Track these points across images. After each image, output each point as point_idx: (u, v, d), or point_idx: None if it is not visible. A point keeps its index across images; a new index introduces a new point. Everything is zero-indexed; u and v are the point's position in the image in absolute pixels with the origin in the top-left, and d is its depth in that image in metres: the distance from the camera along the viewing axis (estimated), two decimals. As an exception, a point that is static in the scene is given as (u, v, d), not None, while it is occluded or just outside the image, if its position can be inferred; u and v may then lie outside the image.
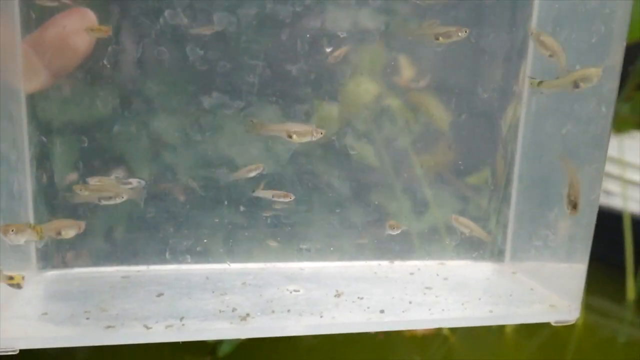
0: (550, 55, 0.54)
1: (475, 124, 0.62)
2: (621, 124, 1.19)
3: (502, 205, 0.64)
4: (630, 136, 1.19)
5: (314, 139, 0.54)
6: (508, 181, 0.63)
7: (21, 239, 0.47)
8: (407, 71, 0.60)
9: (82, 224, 0.53)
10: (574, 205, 0.52)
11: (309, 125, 0.55)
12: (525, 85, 0.60)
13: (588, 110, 0.54)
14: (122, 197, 0.54)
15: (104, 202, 0.54)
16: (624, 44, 0.51)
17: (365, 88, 0.59)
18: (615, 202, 1.13)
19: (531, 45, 0.59)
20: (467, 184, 0.63)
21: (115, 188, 0.54)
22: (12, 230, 0.46)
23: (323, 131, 0.54)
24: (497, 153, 0.63)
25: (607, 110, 0.52)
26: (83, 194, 0.55)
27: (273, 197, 0.57)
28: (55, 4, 0.52)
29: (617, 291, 1.02)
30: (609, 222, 1.06)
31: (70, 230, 0.51)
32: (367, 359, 0.59)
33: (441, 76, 0.61)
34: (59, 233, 0.51)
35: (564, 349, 0.54)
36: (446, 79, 0.61)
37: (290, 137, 0.53)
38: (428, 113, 0.60)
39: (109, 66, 0.53)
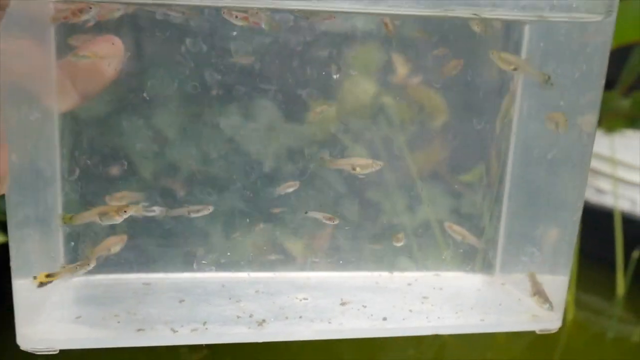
0: (514, 69, 0.60)
1: (471, 122, 0.66)
2: (612, 123, 1.24)
3: (495, 205, 0.69)
4: (621, 135, 1.24)
5: (374, 169, 0.61)
6: (500, 186, 0.68)
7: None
8: (402, 69, 0.64)
9: (125, 237, 0.57)
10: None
11: (369, 159, 0.62)
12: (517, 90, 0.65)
13: (571, 140, 0.60)
14: (123, 216, 0.57)
15: (105, 222, 0.58)
16: (603, 81, 0.57)
17: (362, 87, 0.64)
18: (606, 200, 1.18)
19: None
20: (461, 181, 0.68)
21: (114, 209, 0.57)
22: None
23: (381, 163, 0.61)
24: (490, 152, 0.68)
25: (587, 140, 0.58)
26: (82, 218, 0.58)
27: (323, 218, 0.62)
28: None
29: (607, 287, 1.05)
30: (600, 219, 1.08)
31: (117, 245, 0.56)
32: (363, 352, 0.63)
33: (437, 73, 0.65)
34: (109, 249, 0.56)
35: (555, 346, 0.59)
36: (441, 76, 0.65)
37: (354, 169, 0.59)
38: (424, 109, 0.65)
39: (147, 97, 0.58)
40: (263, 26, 0.59)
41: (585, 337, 0.57)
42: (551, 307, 0.59)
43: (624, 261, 1.06)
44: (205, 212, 0.61)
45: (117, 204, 0.58)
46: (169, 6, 0.58)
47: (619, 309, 1.03)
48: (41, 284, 0.53)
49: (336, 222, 0.63)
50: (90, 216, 0.57)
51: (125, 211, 0.56)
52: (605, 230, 1.08)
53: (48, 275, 0.54)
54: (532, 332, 0.57)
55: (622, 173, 1.19)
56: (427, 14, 0.59)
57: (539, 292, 0.60)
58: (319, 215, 0.63)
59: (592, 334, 0.92)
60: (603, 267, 1.07)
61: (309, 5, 0.58)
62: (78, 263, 0.57)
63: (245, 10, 0.56)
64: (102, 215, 0.56)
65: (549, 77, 0.60)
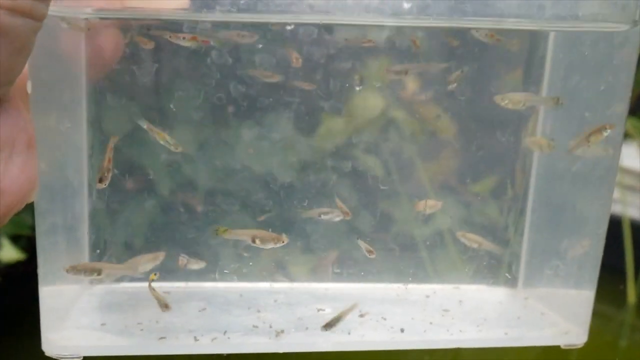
0: (524, 105, 0.60)
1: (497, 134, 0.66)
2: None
3: (519, 218, 0.68)
4: (628, 144, 1.22)
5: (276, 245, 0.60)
6: (524, 199, 0.68)
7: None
8: (412, 84, 0.64)
9: (162, 254, 0.59)
10: None
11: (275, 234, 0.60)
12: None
13: (596, 152, 0.59)
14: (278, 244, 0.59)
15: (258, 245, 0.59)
16: (630, 93, 0.56)
17: (372, 102, 0.64)
18: (615, 208, 1.16)
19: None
20: (482, 193, 0.68)
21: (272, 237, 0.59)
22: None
23: (285, 239, 0.60)
24: (516, 164, 0.67)
25: (614, 152, 0.58)
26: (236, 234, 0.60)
27: (366, 250, 0.63)
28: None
29: (617, 296, 1.03)
30: (609, 227, 1.08)
31: (156, 261, 0.58)
32: (378, 357, 0.63)
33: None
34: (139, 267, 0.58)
35: (566, 354, 0.58)
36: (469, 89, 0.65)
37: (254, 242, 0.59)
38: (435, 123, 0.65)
39: (174, 109, 0.59)
40: (212, 43, 0.59)
41: (596, 346, 0.56)
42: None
43: (635, 269, 1.05)
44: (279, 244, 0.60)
45: (275, 234, 0.59)
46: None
47: (630, 316, 1.01)
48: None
49: (373, 256, 0.63)
50: (243, 235, 0.59)
51: (283, 241, 0.58)
52: (614, 238, 1.06)
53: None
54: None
55: (630, 181, 1.17)
56: (449, 26, 0.60)
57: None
58: (363, 245, 0.63)
59: (604, 342, 0.90)
60: (613, 275, 1.05)
61: (329, 19, 0.58)
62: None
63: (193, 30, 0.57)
64: (257, 238, 0.58)
65: (558, 99, 0.60)
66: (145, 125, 0.58)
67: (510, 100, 0.59)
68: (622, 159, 0.58)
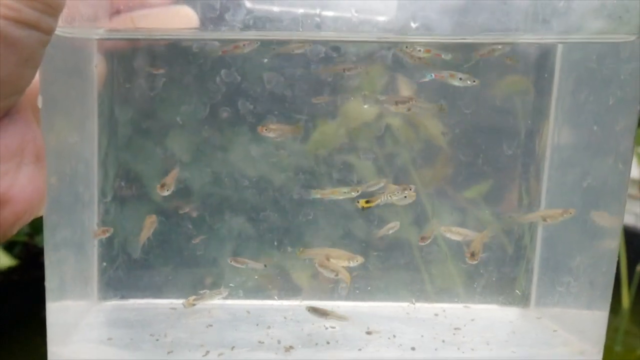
0: (409, 109, 0.60)
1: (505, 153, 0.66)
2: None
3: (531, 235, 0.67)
4: None
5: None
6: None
7: None
8: (406, 90, 0.64)
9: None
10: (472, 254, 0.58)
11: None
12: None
13: (606, 166, 0.58)
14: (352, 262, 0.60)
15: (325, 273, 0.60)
16: (638, 107, 0.56)
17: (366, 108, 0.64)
18: None
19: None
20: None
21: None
22: None
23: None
24: (530, 170, 0.66)
25: (624, 167, 0.57)
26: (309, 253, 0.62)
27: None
28: None
29: (613, 301, 1.01)
30: None
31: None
32: None
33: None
34: None
35: None
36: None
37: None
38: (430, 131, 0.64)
39: (180, 122, 0.60)
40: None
41: None
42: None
43: (629, 275, 1.04)
44: None
45: (349, 253, 0.60)
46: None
47: (624, 322, 1.00)
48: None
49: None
50: (316, 254, 0.60)
51: (357, 260, 0.59)
52: None
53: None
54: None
55: None
56: (455, 42, 0.60)
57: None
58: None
59: None
60: None
61: (340, 37, 0.59)
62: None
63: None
64: (322, 265, 0.58)
65: (442, 106, 0.61)
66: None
67: (393, 102, 0.59)
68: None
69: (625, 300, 1.07)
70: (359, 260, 0.60)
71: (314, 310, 0.59)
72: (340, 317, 0.59)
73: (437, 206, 0.66)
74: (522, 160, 0.65)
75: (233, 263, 0.62)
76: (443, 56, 0.59)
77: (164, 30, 0.55)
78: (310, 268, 0.65)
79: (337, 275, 0.59)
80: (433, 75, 0.59)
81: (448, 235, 0.64)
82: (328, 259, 0.59)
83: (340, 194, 0.61)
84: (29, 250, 0.48)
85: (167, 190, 0.60)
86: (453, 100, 0.63)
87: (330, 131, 0.64)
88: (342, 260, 0.59)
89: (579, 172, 0.61)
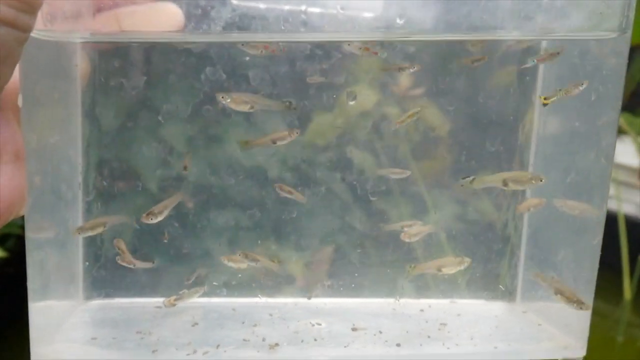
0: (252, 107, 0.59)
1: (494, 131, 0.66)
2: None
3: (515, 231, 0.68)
4: (622, 139, 1.21)
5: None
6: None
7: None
8: (405, 80, 0.64)
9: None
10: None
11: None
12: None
13: (589, 161, 0.59)
14: None
15: None
16: (620, 102, 0.57)
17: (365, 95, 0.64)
18: (610, 204, 1.15)
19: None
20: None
21: None
22: None
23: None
24: (513, 165, 0.66)
25: (606, 162, 0.57)
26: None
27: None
28: None
29: (614, 292, 1.02)
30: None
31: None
32: None
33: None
34: None
35: None
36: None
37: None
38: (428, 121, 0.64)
39: (162, 121, 0.60)
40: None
41: (594, 342, 0.56)
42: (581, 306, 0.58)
43: (630, 265, 1.03)
44: None
45: None
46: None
47: (626, 313, 1.00)
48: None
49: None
50: (429, 267, 0.62)
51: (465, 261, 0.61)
52: (609, 235, 1.05)
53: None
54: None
55: (624, 177, 1.16)
56: (439, 40, 0.60)
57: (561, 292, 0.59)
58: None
59: (601, 338, 0.89)
60: (609, 272, 1.03)
61: (332, 38, 0.59)
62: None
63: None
64: None
65: (290, 103, 0.60)
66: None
67: (234, 100, 0.59)
68: (617, 155, 0.58)
69: (627, 292, 1.06)
70: (467, 261, 0.62)
71: (245, 256, 0.61)
72: (271, 261, 0.60)
73: (420, 200, 0.67)
74: (505, 155, 0.66)
75: (242, 258, 0.62)
76: (379, 54, 0.59)
77: (149, 33, 0.55)
78: (297, 265, 0.65)
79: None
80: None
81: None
82: (440, 270, 0.62)
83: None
84: (23, 244, 0.48)
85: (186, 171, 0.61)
86: (436, 96, 0.63)
87: (327, 122, 0.64)
88: (454, 266, 0.61)
89: (562, 167, 0.62)
